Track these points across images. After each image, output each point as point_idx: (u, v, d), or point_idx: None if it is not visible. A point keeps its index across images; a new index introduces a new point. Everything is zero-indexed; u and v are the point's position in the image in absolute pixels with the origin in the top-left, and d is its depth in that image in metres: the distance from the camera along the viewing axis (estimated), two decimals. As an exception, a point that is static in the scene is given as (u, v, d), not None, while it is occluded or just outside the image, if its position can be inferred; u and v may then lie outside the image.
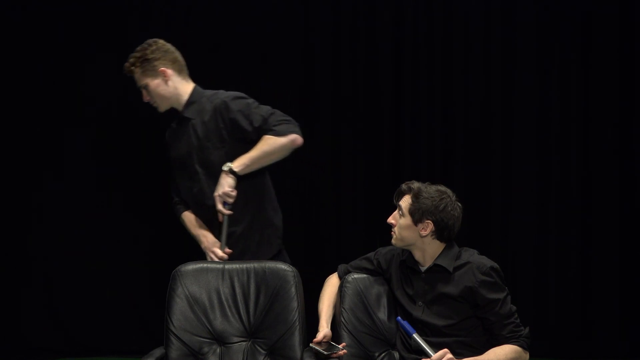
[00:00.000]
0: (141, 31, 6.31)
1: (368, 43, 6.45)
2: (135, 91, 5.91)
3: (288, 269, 4.02)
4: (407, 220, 3.85)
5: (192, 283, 3.99)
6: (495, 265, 3.83)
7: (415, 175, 6.14)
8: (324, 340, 3.81)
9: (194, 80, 4.79)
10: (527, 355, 3.78)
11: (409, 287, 3.92)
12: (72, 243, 6.26)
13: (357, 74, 6.45)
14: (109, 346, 5.84)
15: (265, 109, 4.45)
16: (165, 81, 4.49)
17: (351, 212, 6.39)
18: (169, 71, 4.49)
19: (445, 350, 3.61)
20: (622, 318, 6.31)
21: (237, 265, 4.06)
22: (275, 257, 4.52)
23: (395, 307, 4.00)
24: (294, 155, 6.31)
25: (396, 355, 3.93)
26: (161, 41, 4.55)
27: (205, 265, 4.08)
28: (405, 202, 3.88)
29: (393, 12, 6.45)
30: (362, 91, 6.45)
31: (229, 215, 4.42)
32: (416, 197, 3.84)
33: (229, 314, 3.98)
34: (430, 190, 3.86)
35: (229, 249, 4.44)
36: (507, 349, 3.71)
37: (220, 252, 4.41)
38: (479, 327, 3.80)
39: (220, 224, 4.45)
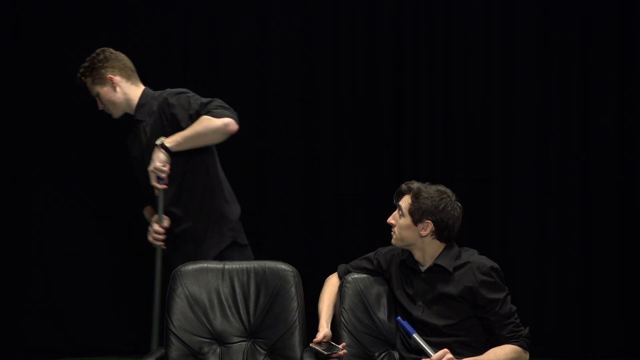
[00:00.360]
0: (141, 32, 6.37)
1: (368, 43, 6.46)
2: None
3: (288, 269, 4.02)
4: (407, 220, 3.85)
5: (192, 283, 3.99)
6: (495, 265, 3.83)
7: (415, 175, 6.14)
8: (324, 340, 3.81)
9: (197, 80, 4.82)
10: (527, 355, 3.77)
11: (408, 287, 3.92)
12: (72, 243, 6.27)
13: (357, 74, 6.46)
14: (109, 346, 5.84)
15: (207, 99, 4.46)
16: (114, 88, 4.56)
17: (351, 212, 6.39)
18: (117, 78, 4.55)
19: (445, 350, 3.61)
20: (622, 318, 6.31)
21: (237, 265, 4.06)
22: (229, 250, 4.50)
23: (395, 307, 4.00)
24: (294, 156, 6.36)
25: (396, 355, 3.93)
26: (109, 50, 4.64)
27: (205, 265, 4.07)
28: (405, 202, 3.87)
29: (393, 13, 6.46)
30: (362, 91, 6.46)
31: (164, 190, 4.45)
32: (416, 197, 3.84)
33: (229, 314, 3.98)
34: (430, 190, 3.86)
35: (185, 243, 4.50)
36: (507, 349, 3.71)
37: (156, 226, 4.48)
38: (479, 327, 3.79)
39: (157, 197, 4.47)
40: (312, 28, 6.45)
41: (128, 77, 4.60)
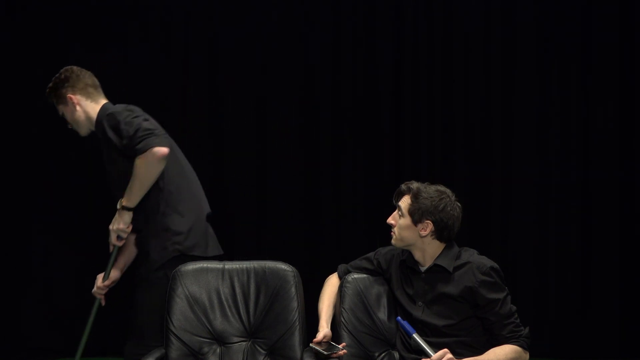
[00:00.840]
0: (140, 34, 6.38)
1: (368, 43, 6.47)
2: (134, 92, 6.00)
3: (288, 269, 4.02)
4: (406, 220, 3.85)
5: (192, 283, 4.00)
6: (495, 265, 3.83)
7: (415, 175, 6.14)
8: (324, 340, 3.81)
9: (197, 80, 4.80)
10: (527, 356, 3.77)
11: (408, 287, 3.92)
12: (72, 243, 6.27)
13: (357, 74, 6.46)
14: (109, 346, 5.83)
15: (135, 123, 4.37)
16: (74, 106, 4.60)
17: (351, 212, 6.40)
18: (76, 97, 4.59)
19: (445, 350, 3.61)
20: (622, 318, 6.32)
21: (237, 265, 4.07)
22: (174, 262, 4.35)
23: (395, 307, 4.00)
24: (294, 156, 6.36)
25: (396, 355, 3.93)
26: (71, 68, 4.67)
27: (205, 265, 4.08)
28: (405, 202, 3.87)
29: (393, 12, 6.46)
30: (362, 91, 6.46)
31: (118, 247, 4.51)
32: (415, 197, 3.84)
33: (229, 314, 3.98)
34: (430, 190, 3.86)
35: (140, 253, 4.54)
36: (507, 349, 3.71)
37: (100, 281, 4.56)
38: (479, 327, 3.79)
39: (110, 253, 4.53)
40: (312, 28, 6.45)
41: (88, 95, 4.62)
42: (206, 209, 4.69)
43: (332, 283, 4.14)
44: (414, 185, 3.89)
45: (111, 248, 4.51)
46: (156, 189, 4.48)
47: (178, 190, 4.54)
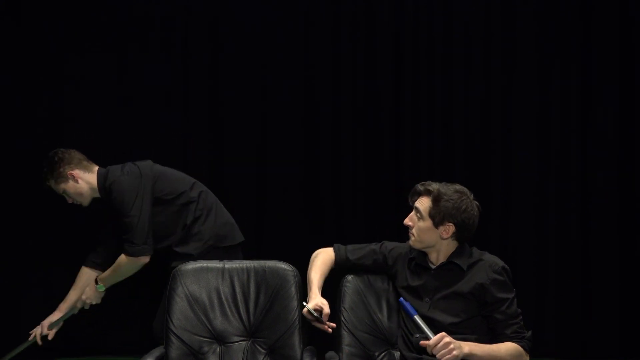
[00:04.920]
0: (140, 33, 6.39)
1: (368, 40, 6.48)
2: (134, 90, 6.00)
3: (288, 268, 4.03)
4: (427, 223, 3.82)
5: (192, 282, 4.00)
6: (506, 266, 3.86)
7: (414, 171, 6.21)
8: (316, 309, 3.79)
9: (198, 75, 5.59)
10: (528, 358, 3.77)
11: (415, 283, 3.89)
12: (72, 242, 6.26)
13: (357, 73, 6.48)
14: (108, 345, 5.84)
15: (133, 225, 4.89)
16: (77, 181, 5.04)
17: (351, 211, 6.40)
18: (75, 172, 5.04)
19: (442, 334, 3.59)
20: (622, 318, 6.33)
21: (237, 265, 4.08)
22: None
23: (397, 306, 3.98)
24: (294, 154, 6.37)
25: (396, 354, 3.92)
26: (60, 150, 5.11)
27: (205, 264, 4.08)
28: (424, 204, 3.83)
29: (392, 8, 6.48)
30: (362, 90, 6.47)
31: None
32: (436, 200, 3.79)
33: (229, 313, 3.98)
34: (449, 192, 3.82)
35: None
36: (510, 345, 3.72)
37: (45, 329, 5.34)
38: (484, 326, 3.80)
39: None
40: (312, 23, 6.47)
41: (84, 168, 5.08)
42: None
43: (326, 255, 4.10)
44: (433, 187, 3.84)
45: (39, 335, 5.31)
46: (176, 214, 5.04)
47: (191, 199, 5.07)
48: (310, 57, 6.50)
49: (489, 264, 3.83)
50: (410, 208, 3.93)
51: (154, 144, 6.21)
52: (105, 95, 6.38)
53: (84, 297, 5.13)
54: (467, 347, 3.63)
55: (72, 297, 5.24)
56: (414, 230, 3.86)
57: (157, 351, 3.88)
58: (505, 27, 6.48)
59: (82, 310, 5.32)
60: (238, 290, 4.02)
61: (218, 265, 4.07)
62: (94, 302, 5.14)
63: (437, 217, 3.80)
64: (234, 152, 6.41)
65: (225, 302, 4.00)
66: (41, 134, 6.27)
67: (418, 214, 3.84)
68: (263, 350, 3.92)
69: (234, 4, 6.46)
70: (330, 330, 3.79)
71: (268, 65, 6.47)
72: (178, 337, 3.89)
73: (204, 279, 4.02)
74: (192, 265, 4.06)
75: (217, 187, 5.71)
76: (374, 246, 4.11)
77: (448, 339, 3.57)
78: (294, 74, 6.47)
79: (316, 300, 3.84)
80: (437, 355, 3.54)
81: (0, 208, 6.27)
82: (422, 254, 3.92)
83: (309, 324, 3.94)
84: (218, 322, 3.96)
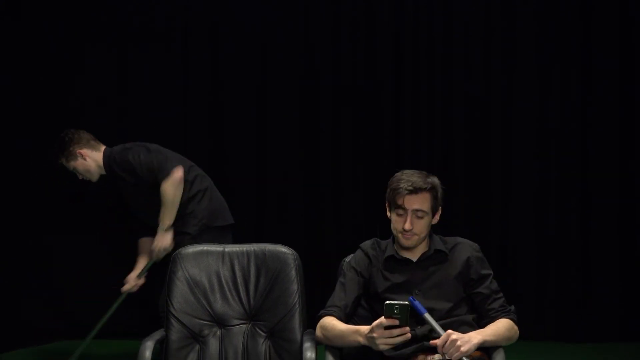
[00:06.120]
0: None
1: (368, 40, 6.51)
2: (134, 90, 6.01)
3: (288, 251, 3.99)
4: (428, 217, 3.77)
5: (192, 266, 3.98)
6: None
7: (415, 158, 6.22)
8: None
9: (197, 68, 5.72)
10: (517, 331, 3.74)
11: (401, 280, 3.81)
12: (72, 242, 6.27)
13: (357, 73, 6.50)
14: (109, 328, 5.80)
15: (144, 162, 5.28)
16: (85, 158, 5.43)
17: (351, 194, 6.51)
18: (84, 150, 5.43)
19: (448, 332, 3.53)
20: (623, 301, 6.38)
21: (237, 248, 4.05)
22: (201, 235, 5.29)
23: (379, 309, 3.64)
24: (294, 142, 6.38)
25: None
26: (70, 130, 5.48)
27: (205, 248, 4.06)
28: (425, 203, 3.74)
29: (393, 12, 6.51)
30: (362, 90, 6.49)
31: None
32: (434, 192, 3.77)
33: (229, 296, 3.96)
34: (433, 180, 3.80)
35: None
36: (504, 322, 3.69)
37: (132, 280, 5.52)
38: (472, 307, 3.79)
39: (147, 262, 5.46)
40: (312, 23, 6.50)
41: (91, 147, 5.46)
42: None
43: (332, 320, 3.75)
44: (428, 181, 3.76)
45: (144, 263, 5.48)
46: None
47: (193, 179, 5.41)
48: (310, 57, 6.52)
49: (468, 244, 3.86)
50: (400, 209, 3.76)
51: (153, 142, 6.21)
52: (105, 95, 6.40)
53: (155, 245, 5.33)
54: (479, 336, 3.58)
55: (141, 261, 5.54)
56: (416, 232, 3.76)
57: (158, 334, 3.84)
58: (505, 27, 6.52)
59: (90, 292, 5.35)
60: (238, 273, 3.99)
61: (218, 248, 4.06)
62: (168, 245, 5.30)
63: (435, 206, 3.79)
64: (234, 151, 6.43)
65: (225, 286, 3.97)
66: (41, 134, 6.27)
67: (419, 214, 3.74)
68: (263, 334, 3.89)
69: (234, 3, 6.48)
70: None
71: (268, 65, 6.49)
72: (178, 320, 3.87)
73: (204, 262, 4.00)
74: (192, 249, 4.04)
75: (217, 173, 5.78)
76: (341, 279, 3.89)
77: (455, 336, 3.50)
78: (293, 73, 6.49)
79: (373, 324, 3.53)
80: (447, 355, 3.50)
81: (0, 208, 6.26)
82: (397, 249, 3.86)
83: (308, 307, 3.92)
84: (218, 305, 3.94)
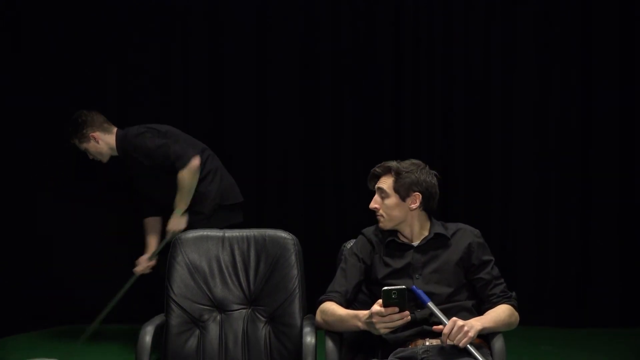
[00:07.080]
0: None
1: (368, 40, 6.52)
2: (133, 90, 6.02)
3: (288, 236, 3.99)
4: (393, 199, 3.80)
5: (192, 251, 3.97)
6: None
7: (415, 153, 6.20)
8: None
9: (197, 60, 5.83)
10: (518, 317, 3.74)
11: (401, 265, 3.81)
12: (72, 242, 6.26)
13: (357, 73, 6.51)
14: (109, 314, 5.80)
15: (162, 149, 5.41)
16: (97, 141, 5.58)
17: (351, 182, 6.47)
18: (96, 133, 5.57)
19: (453, 319, 3.51)
20: (623, 286, 6.39)
21: (237, 234, 4.05)
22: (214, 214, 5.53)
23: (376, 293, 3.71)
24: (295, 125, 6.39)
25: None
26: (84, 112, 5.62)
27: (205, 233, 4.06)
28: (386, 182, 3.82)
29: (393, 12, 6.53)
30: (362, 90, 6.51)
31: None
32: (398, 174, 3.81)
33: (229, 281, 3.95)
34: (407, 165, 3.85)
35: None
36: (505, 308, 3.69)
37: (144, 262, 5.67)
38: (473, 293, 3.78)
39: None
40: (312, 23, 6.52)
41: (104, 130, 5.60)
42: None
43: (332, 305, 3.76)
44: (391, 164, 3.85)
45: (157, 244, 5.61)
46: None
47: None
48: (310, 57, 6.53)
49: (469, 230, 3.89)
50: (372, 194, 3.87)
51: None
52: (105, 95, 6.41)
53: (169, 227, 5.48)
54: (479, 323, 3.57)
55: (152, 242, 5.70)
56: (381, 212, 3.83)
57: (158, 319, 3.83)
58: (505, 27, 6.52)
59: (93, 278, 5.36)
60: (238, 258, 3.99)
61: (218, 233, 4.05)
62: (182, 227, 5.41)
63: (402, 190, 3.79)
64: (234, 151, 6.43)
65: (225, 271, 3.97)
66: (41, 134, 6.28)
67: (382, 194, 3.83)
68: (263, 319, 3.88)
69: (234, 3, 6.50)
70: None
71: (268, 65, 6.50)
72: (178, 304, 3.86)
73: (204, 247, 3.99)
74: (192, 234, 4.04)
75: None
76: (342, 265, 3.90)
77: (460, 322, 3.49)
78: (293, 73, 6.50)
79: (371, 310, 3.51)
80: (454, 341, 3.48)
81: (0, 208, 6.26)
82: (395, 234, 3.88)
83: (308, 292, 3.90)
84: (218, 290, 3.93)
